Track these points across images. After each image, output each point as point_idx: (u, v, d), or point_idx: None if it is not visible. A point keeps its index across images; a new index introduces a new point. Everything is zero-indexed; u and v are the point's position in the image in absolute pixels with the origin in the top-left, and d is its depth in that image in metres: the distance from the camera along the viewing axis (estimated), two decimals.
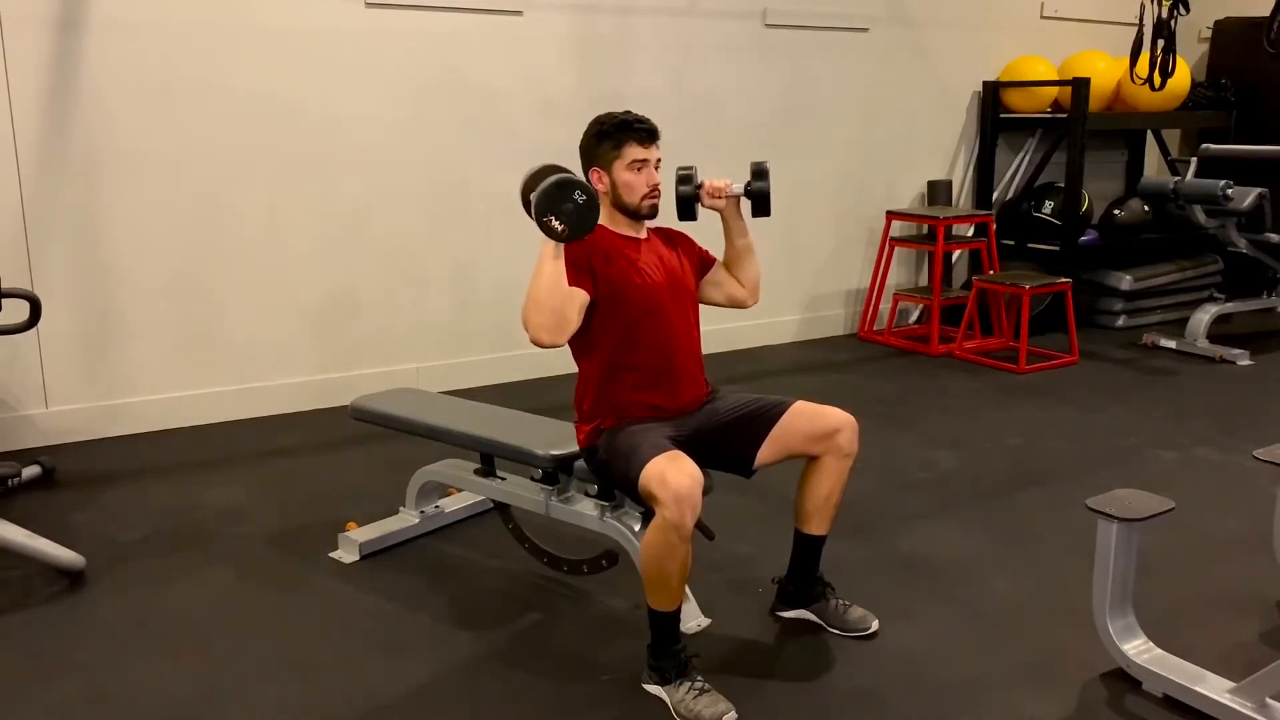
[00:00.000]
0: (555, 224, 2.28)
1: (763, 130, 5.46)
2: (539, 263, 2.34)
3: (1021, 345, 5.32)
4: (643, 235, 2.63)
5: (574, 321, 2.41)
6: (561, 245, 2.34)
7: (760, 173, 2.63)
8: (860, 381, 5.22)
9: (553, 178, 2.31)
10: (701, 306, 2.74)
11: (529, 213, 2.35)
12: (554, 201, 2.27)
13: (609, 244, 2.53)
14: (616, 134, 2.53)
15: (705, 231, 2.75)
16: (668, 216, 2.67)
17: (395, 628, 2.75)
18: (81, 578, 2.96)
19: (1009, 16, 6.38)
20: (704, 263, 2.76)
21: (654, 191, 2.57)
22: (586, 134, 2.59)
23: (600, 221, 2.49)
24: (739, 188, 2.64)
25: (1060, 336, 5.63)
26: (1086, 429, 4.42)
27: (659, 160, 2.58)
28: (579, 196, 2.29)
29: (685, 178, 2.63)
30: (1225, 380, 5.18)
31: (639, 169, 2.54)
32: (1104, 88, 6.14)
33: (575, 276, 2.41)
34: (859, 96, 5.87)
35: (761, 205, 2.64)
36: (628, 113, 2.58)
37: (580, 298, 2.43)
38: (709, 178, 2.65)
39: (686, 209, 2.65)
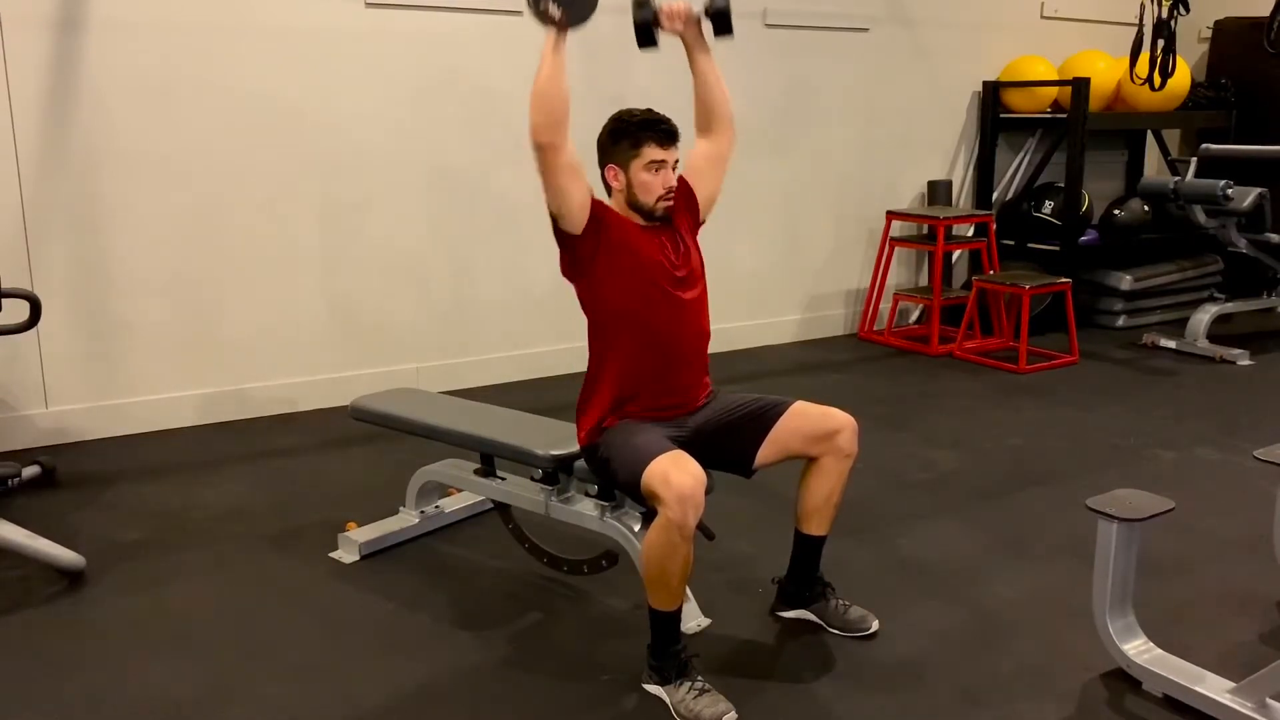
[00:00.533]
0: (552, 9, 2.24)
1: (763, 130, 5.46)
2: (541, 57, 2.32)
3: (1021, 345, 5.32)
4: (654, 224, 2.60)
5: (565, 118, 2.35)
6: (563, 38, 2.31)
7: None
8: (860, 382, 5.21)
9: None
10: (711, 309, 2.71)
11: (532, 10, 2.29)
12: None
13: (619, 220, 2.52)
14: (636, 133, 2.49)
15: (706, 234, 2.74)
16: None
17: (395, 628, 2.75)
18: (81, 578, 2.96)
19: (1009, 16, 6.38)
20: (691, 188, 2.68)
21: (669, 194, 2.54)
22: (605, 128, 2.54)
23: (612, 208, 2.49)
24: (698, 7, 2.57)
25: (1060, 336, 5.63)
26: (1086, 429, 4.42)
27: (677, 161, 2.55)
28: None
29: (642, 2, 2.54)
30: (1225, 380, 5.18)
31: (656, 170, 2.50)
32: (1104, 88, 6.14)
33: (582, 263, 2.42)
34: (859, 96, 5.87)
35: (723, 24, 2.57)
36: (649, 111, 2.54)
37: (576, 163, 2.39)
38: (667, 1, 2.58)
39: (645, 34, 2.56)
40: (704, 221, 2.73)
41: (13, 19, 3.80)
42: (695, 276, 2.62)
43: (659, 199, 2.52)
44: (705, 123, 2.73)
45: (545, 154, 2.35)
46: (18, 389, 4.02)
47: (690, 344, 2.60)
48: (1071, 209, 5.93)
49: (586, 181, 2.44)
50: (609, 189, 2.57)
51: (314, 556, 3.13)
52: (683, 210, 2.65)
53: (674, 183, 2.54)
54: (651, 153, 2.49)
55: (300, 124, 4.36)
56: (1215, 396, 4.91)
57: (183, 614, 2.81)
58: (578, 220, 2.44)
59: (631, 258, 2.50)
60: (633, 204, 2.54)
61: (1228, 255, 6.04)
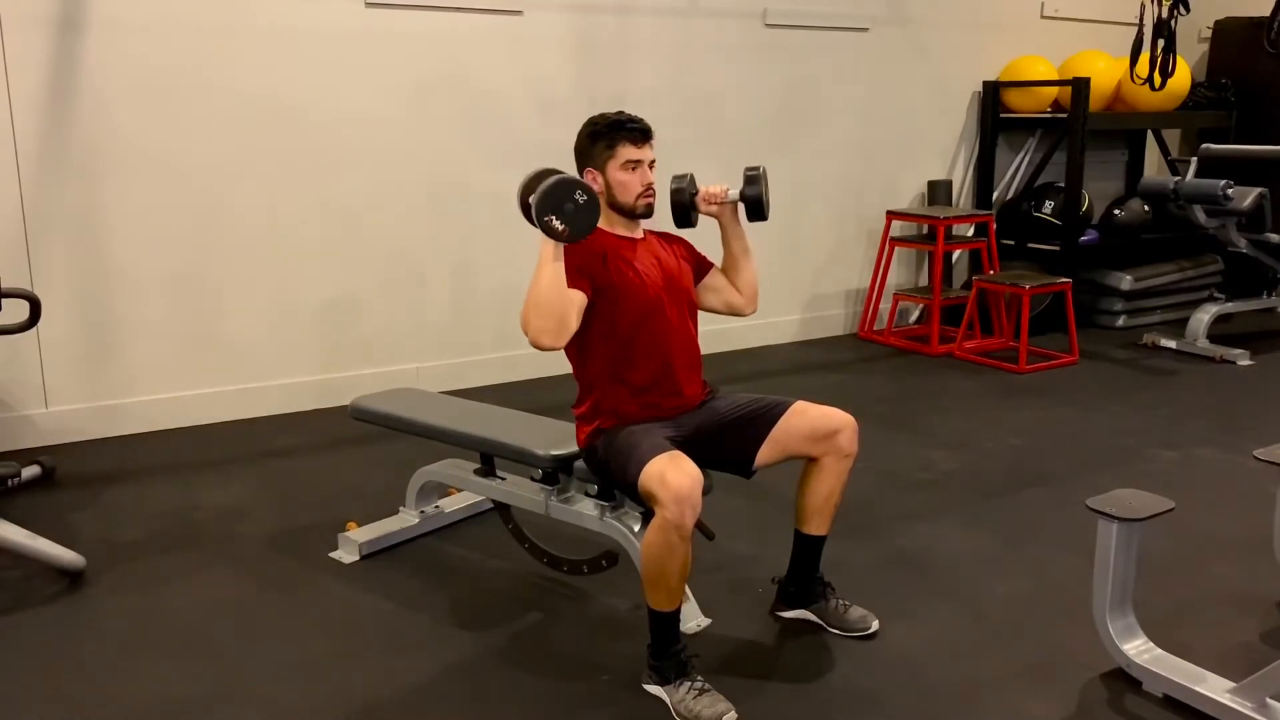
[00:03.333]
0: (556, 224, 2.28)
1: (763, 130, 5.46)
2: (539, 265, 2.34)
3: (1021, 345, 5.32)
4: (639, 235, 2.64)
5: (573, 324, 2.41)
6: (561, 247, 2.34)
7: (752, 179, 2.61)
8: (860, 381, 5.22)
9: (553, 178, 2.31)
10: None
11: (527, 217, 2.35)
12: (555, 201, 2.27)
13: (606, 245, 2.53)
14: (610, 134, 2.54)
15: (705, 238, 2.75)
16: (666, 222, 2.67)
17: (395, 628, 2.75)
18: (81, 578, 2.96)
19: (1009, 16, 6.38)
20: (701, 267, 2.76)
21: (649, 191, 2.57)
22: (580, 135, 2.59)
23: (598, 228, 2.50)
24: (735, 193, 2.64)
25: (1060, 336, 5.63)
26: (1086, 429, 4.42)
27: (653, 160, 2.58)
28: (580, 196, 2.29)
29: (680, 186, 2.63)
30: (1225, 380, 5.18)
31: (633, 169, 2.54)
32: (1104, 88, 6.14)
33: (573, 279, 2.41)
34: (859, 96, 5.87)
35: (756, 210, 2.63)
36: (620, 112, 2.58)
37: (579, 300, 2.43)
38: (705, 184, 2.65)
39: (683, 216, 2.65)
40: (697, 284, 2.75)
41: (13, 19, 3.80)
42: (683, 287, 2.66)
43: (639, 196, 2.55)
44: (731, 291, 2.79)
45: (554, 349, 2.40)
46: (18, 389, 4.02)
47: (680, 352, 2.61)
48: (1071, 209, 5.93)
49: (580, 292, 2.43)
50: None
51: (314, 556, 3.13)
52: (687, 258, 2.73)
53: (652, 179, 2.57)
54: (627, 152, 2.53)
55: (300, 124, 4.36)
56: (1215, 396, 4.91)
57: (183, 614, 2.81)
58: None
59: (620, 274, 2.52)
60: (614, 205, 2.57)
61: (1228, 255, 6.03)
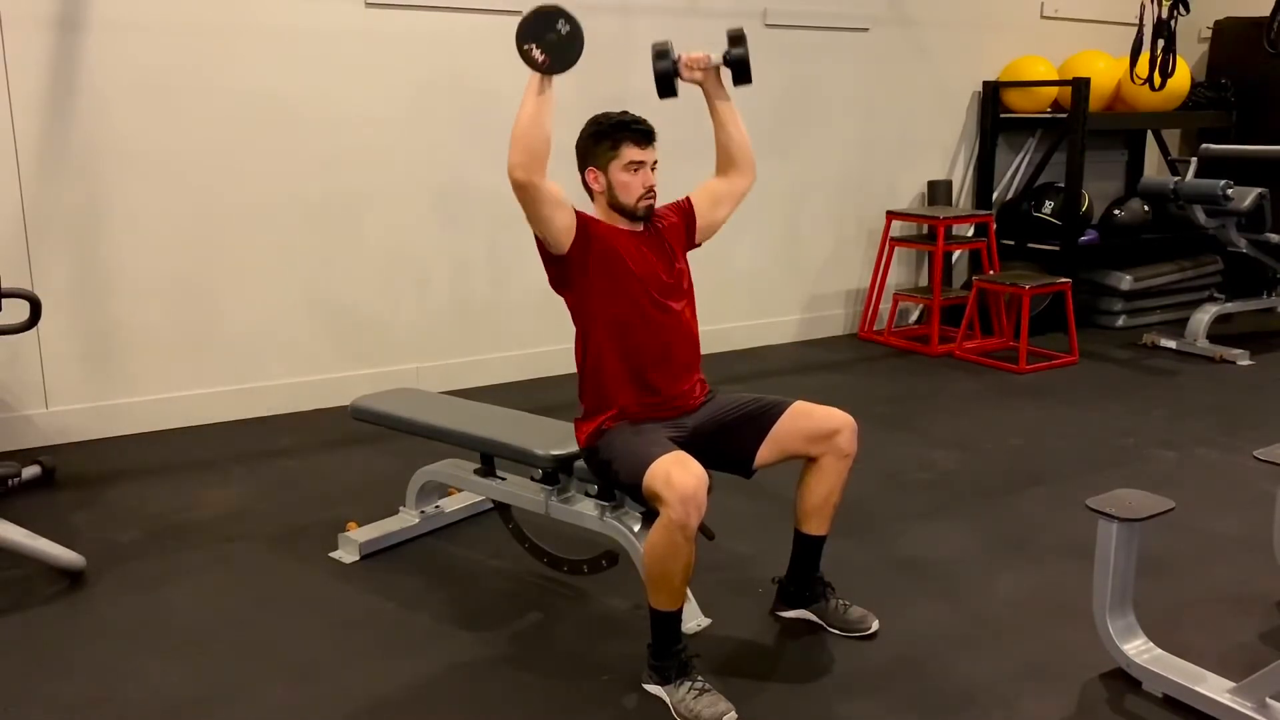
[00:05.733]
0: (536, 53, 2.24)
1: (762, 130, 5.44)
2: (523, 97, 2.32)
3: (1021, 345, 5.32)
4: (640, 229, 2.62)
5: (545, 158, 2.36)
6: (547, 80, 2.32)
7: (737, 38, 2.58)
8: (860, 381, 5.22)
9: (537, 6, 2.25)
10: (699, 305, 2.72)
11: (521, 55, 2.31)
12: (536, 30, 2.23)
13: (604, 238, 2.53)
14: (614, 134, 2.52)
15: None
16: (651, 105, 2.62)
17: (395, 628, 2.75)
18: (81, 578, 2.96)
19: (1009, 16, 6.38)
20: (694, 209, 2.71)
21: (650, 193, 2.55)
22: (583, 134, 2.58)
23: (596, 217, 2.51)
24: (717, 57, 2.60)
25: (1060, 336, 5.63)
26: (1086, 429, 4.42)
27: (655, 162, 2.57)
28: (562, 26, 2.24)
29: (662, 52, 2.56)
30: (1225, 380, 5.18)
31: (635, 170, 2.53)
32: (1104, 88, 6.14)
33: (569, 269, 2.43)
34: (859, 96, 5.87)
35: (742, 72, 2.59)
36: (625, 113, 2.57)
37: (560, 197, 2.41)
38: (687, 51, 2.61)
39: (666, 84, 2.58)
40: (699, 244, 2.76)
41: (13, 19, 3.79)
42: (682, 284, 2.65)
43: (640, 199, 2.54)
44: (725, 165, 2.77)
45: (525, 191, 2.37)
46: (18, 389, 4.02)
47: (681, 347, 2.61)
48: (1071, 209, 5.93)
49: (569, 205, 2.45)
50: (590, 193, 2.59)
51: (314, 556, 3.13)
52: (679, 227, 2.68)
53: (653, 182, 2.56)
54: (630, 153, 2.52)
55: (300, 124, 4.36)
56: (1215, 396, 4.91)
57: (183, 614, 2.81)
58: (563, 242, 2.47)
59: (619, 266, 2.51)
60: (614, 205, 2.56)
61: (1228, 255, 6.04)
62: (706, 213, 2.73)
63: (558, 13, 2.26)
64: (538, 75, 2.30)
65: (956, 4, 6.11)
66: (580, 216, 2.48)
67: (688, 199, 2.73)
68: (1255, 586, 2.94)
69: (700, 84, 2.66)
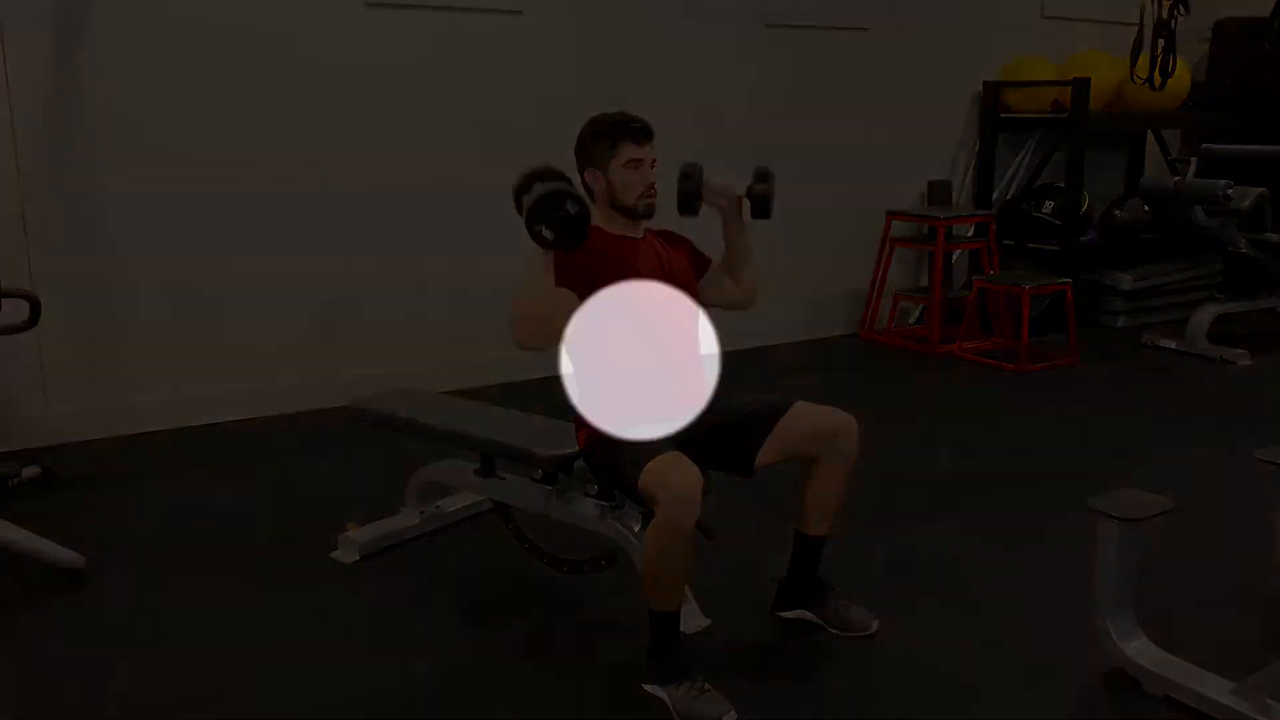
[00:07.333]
0: (546, 234, 2.28)
1: (763, 130, 5.45)
2: (526, 269, 2.34)
3: (1022, 345, 5.32)
4: (640, 235, 2.63)
5: (561, 329, 2.41)
6: (552, 254, 2.34)
7: (763, 176, 2.63)
8: (860, 381, 5.21)
9: (545, 187, 2.30)
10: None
11: (519, 212, 2.35)
12: (545, 211, 2.27)
13: (605, 244, 2.53)
14: (612, 133, 2.53)
15: (706, 230, 2.75)
16: (669, 215, 2.66)
17: (395, 628, 2.75)
18: (81, 578, 2.96)
19: (1009, 16, 6.37)
20: (702, 265, 2.76)
21: (650, 191, 2.56)
22: (582, 134, 2.58)
23: (597, 222, 2.49)
24: (741, 188, 2.65)
25: (1060, 336, 5.63)
26: (1086, 429, 4.42)
27: (654, 160, 2.57)
28: (571, 207, 2.28)
29: (689, 174, 2.62)
30: (1225, 380, 5.18)
31: (635, 168, 2.53)
32: (1104, 88, 6.14)
33: (568, 276, 2.41)
34: (859, 96, 5.87)
35: (761, 208, 2.64)
36: (622, 112, 2.58)
37: (569, 302, 2.42)
38: (712, 176, 2.65)
39: (688, 204, 2.63)
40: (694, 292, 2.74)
41: (13, 19, 3.79)
42: (685, 285, 2.65)
43: (640, 196, 2.55)
44: (729, 284, 2.80)
45: (538, 350, 2.42)
46: (18, 389, 4.02)
47: (683, 349, 2.61)
48: (1071, 209, 5.93)
49: (573, 294, 2.44)
50: (591, 193, 2.58)
51: (314, 557, 3.13)
52: (689, 257, 2.72)
53: (653, 179, 2.57)
54: (629, 151, 2.52)
55: (300, 124, 4.36)
56: (1215, 396, 4.91)
57: (182, 614, 2.81)
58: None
59: (620, 275, 2.50)
60: (615, 205, 2.57)
61: (1228, 255, 6.03)
62: (704, 289, 2.74)
63: (566, 195, 2.30)
64: (543, 251, 2.32)
65: (956, 4, 6.11)
66: (583, 260, 2.45)
67: (708, 257, 2.77)
68: (1255, 586, 2.94)
69: (721, 209, 2.68)
